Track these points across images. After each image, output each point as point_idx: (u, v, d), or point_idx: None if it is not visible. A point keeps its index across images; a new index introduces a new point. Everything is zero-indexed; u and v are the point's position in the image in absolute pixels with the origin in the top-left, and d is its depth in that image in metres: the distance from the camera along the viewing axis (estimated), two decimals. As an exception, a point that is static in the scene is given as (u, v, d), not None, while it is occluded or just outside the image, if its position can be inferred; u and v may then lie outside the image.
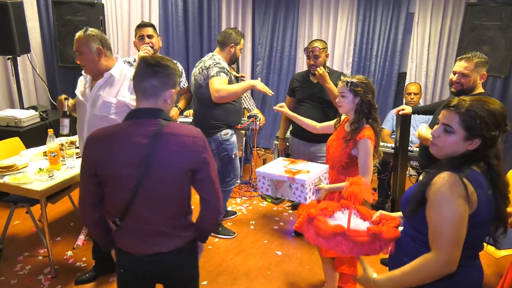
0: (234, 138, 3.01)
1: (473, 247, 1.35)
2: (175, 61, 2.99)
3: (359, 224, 1.55)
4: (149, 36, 2.84)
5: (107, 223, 1.56)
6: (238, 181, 3.19)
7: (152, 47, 2.77)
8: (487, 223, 1.33)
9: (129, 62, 2.93)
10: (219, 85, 2.70)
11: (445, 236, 1.23)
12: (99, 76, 2.23)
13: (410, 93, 3.77)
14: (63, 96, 2.41)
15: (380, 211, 1.62)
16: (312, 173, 1.99)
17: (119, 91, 2.22)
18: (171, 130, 1.40)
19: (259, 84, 2.78)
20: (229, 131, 2.97)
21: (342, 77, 2.20)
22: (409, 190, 1.45)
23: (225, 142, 2.96)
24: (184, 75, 3.12)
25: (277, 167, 2.13)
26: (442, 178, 1.26)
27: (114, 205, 1.46)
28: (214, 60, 2.85)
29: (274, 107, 2.62)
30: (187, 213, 1.55)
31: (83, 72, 2.30)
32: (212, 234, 3.13)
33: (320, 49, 2.89)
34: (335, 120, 2.43)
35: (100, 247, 1.62)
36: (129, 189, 1.39)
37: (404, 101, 4.00)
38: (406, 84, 4.07)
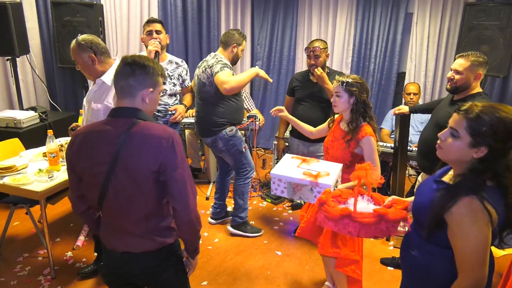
0: (239, 133, 3.06)
1: None
2: (181, 60, 3.00)
3: (371, 209, 1.57)
4: (157, 32, 2.83)
5: (98, 216, 1.61)
6: (254, 173, 3.25)
7: (160, 42, 2.76)
8: (500, 229, 1.32)
9: None
10: (226, 77, 2.73)
11: (471, 262, 1.22)
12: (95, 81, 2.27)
13: (409, 93, 3.78)
14: (71, 127, 2.61)
15: (393, 196, 1.64)
16: (332, 175, 1.96)
17: (106, 96, 2.22)
18: (139, 129, 1.39)
19: (261, 71, 2.89)
20: (233, 127, 3.01)
21: (337, 77, 2.21)
22: (421, 200, 1.40)
23: (232, 138, 2.99)
24: (188, 74, 3.09)
25: (291, 168, 2.07)
26: (464, 207, 1.21)
27: (90, 200, 1.51)
28: (216, 58, 2.89)
29: (271, 111, 2.56)
30: (162, 216, 1.49)
31: None
32: (240, 233, 3.22)
33: (321, 49, 2.90)
34: (328, 120, 2.45)
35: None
36: (99, 186, 1.42)
37: (403, 101, 4.00)
38: (405, 84, 4.08)
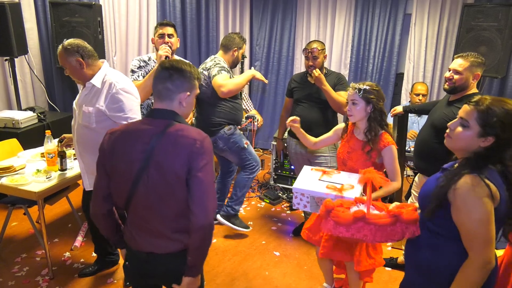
0: (238, 130, 3.08)
1: None
2: (189, 63, 2.98)
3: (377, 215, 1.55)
4: (170, 36, 2.81)
5: (116, 220, 1.61)
6: (260, 168, 3.27)
7: (170, 47, 2.74)
8: (503, 219, 1.38)
9: (144, 61, 2.88)
10: (223, 81, 2.78)
11: (478, 238, 1.27)
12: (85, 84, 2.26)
13: (418, 94, 3.69)
14: (59, 139, 2.63)
15: (396, 203, 1.64)
16: (357, 188, 1.92)
17: (97, 99, 2.20)
18: (174, 130, 1.43)
19: (257, 73, 2.96)
20: (232, 126, 3.04)
21: (352, 84, 2.11)
22: (427, 188, 1.46)
23: (232, 136, 3.03)
24: None
25: (313, 182, 2.02)
26: (466, 182, 1.28)
27: (117, 198, 1.52)
28: (215, 61, 2.93)
29: (287, 123, 2.38)
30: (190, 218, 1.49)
31: None
32: (229, 225, 3.20)
33: (319, 50, 2.90)
34: (335, 129, 2.35)
35: (110, 243, 1.66)
36: (130, 183, 1.44)
37: (408, 101, 3.99)
38: (413, 83, 3.99)
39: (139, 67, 2.85)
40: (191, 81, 1.50)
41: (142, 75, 2.81)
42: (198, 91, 1.56)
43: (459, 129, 1.36)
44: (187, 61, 1.55)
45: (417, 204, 1.58)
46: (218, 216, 3.23)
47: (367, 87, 2.06)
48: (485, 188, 1.27)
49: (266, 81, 3.01)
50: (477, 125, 1.32)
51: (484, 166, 1.32)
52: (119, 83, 2.17)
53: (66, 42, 2.18)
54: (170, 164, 1.40)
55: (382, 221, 1.42)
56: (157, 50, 2.78)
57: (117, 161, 1.46)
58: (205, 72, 2.91)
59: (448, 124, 1.42)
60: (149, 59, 2.92)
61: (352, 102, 2.08)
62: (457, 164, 1.43)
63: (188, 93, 1.49)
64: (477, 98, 1.35)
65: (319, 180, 2.05)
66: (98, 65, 2.25)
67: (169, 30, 2.82)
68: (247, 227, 3.29)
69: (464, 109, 1.37)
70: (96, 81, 2.20)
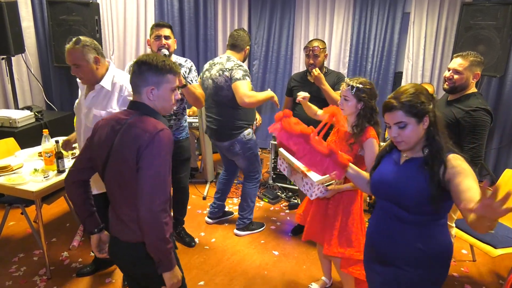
0: (254, 136, 3.09)
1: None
2: (185, 60, 2.87)
3: (319, 142, 1.67)
4: (166, 37, 2.71)
5: (88, 195, 1.66)
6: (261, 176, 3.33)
7: (167, 49, 2.67)
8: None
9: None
10: (249, 92, 2.72)
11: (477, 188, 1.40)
12: (93, 86, 2.20)
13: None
14: (61, 143, 2.61)
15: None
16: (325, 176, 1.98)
17: (108, 103, 2.18)
18: (134, 121, 1.49)
19: (275, 96, 2.90)
20: (250, 130, 3.03)
21: (346, 80, 2.14)
22: (383, 176, 1.58)
23: (249, 142, 3.02)
24: (191, 72, 2.81)
25: None
26: (458, 158, 1.45)
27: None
28: (234, 62, 2.83)
29: (298, 99, 2.46)
30: None
31: (78, 80, 2.25)
32: (249, 233, 3.27)
33: (320, 48, 2.91)
34: (327, 120, 2.39)
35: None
36: (101, 167, 1.55)
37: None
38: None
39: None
40: (159, 76, 1.50)
41: None
42: (173, 85, 1.54)
43: (402, 131, 1.47)
44: (162, 56, 1.55)
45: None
46: (238, 232, 3.26)
47: (360, 86, 2.07)
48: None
49: (278, 105, 2.99)
50: (411, 118, 1.45)
51: (447, 141, 1.49)
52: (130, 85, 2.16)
53: (83, 38, 2.11)
54: (124, 155, 1.45)
55: (318, 147, 1.54)
56: (153, 51, 2.72)
57: (96, 144, 1.56)
58: (227, 74, 2.80)
59: (391, 135, 1.51)
60: None
61: (344, 98, 2.11)
62: (404, 154, 1.56)
63: (153, 87, 1.50)
64: (393, 103, 1.47)
65: None
66: (106, 65, 2.23)
67: (166, 31, 2.71)
68: (262, 225, 3.38)
69: (391, 116, 1.48)
70: (105, 83, 2.18)
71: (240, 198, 3.29)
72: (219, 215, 3.41)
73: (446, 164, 1.43)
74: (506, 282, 2.05)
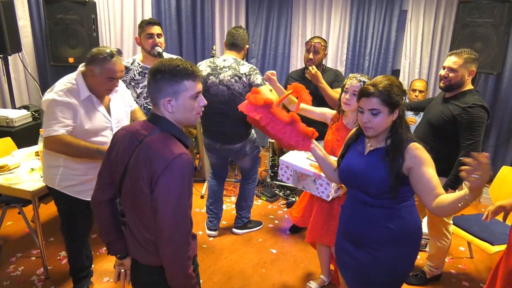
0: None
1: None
2: (176, 56, 2.80)
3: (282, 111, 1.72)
4: (158, 35, 2.65)
5: (116, 213, 1.55)
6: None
7: (160, 47, 2.64)
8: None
9: (125, 68, 2.65)
10: (274, 96, 2.68)
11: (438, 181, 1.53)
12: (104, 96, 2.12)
13: (415, 90, 3.67)
14: None
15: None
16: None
17: (124, 99, 2.25)
18: (151, 140, 1.34)
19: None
20: (253, 129, 3.04)
21: (355, 75, 2.13)
22: (349, 164, 1.67)
23: (256, 141, 3.05)
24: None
25: (300, 158, 2.12)
26: (418, 148, 1.55)
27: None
28: (248, 65, 2.76)
29: (266, 74, 2.41)
30: None
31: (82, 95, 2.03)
32: (248, 231, 3.29)
33: (321, 45, 2.93)
34: (325, 110, 2.39)
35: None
36: (117, 185, 1.44)
37: (407, 98, 3.98)
38: (411, 80, 3.98)
39: None
40: (175, 84, 1.31)
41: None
42: (193, 92, 1.35)
43: (373, 118, 1.55)
44: (178, 60, 1.37)
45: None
46: (236, 231, 3.27)
47: (367, 81, 2.08)
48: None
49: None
50: (385, 107, 1.53)
51: (409, 133, 1.59)
52: None
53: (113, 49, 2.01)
54: (137, 176, 1.32)
55: (279, 115, 1.62)
56: (144, 50, 2.67)
57: (114, 158, 1.43)
58: (244, 79, 2.70)
59: (362, 119, 1.58)
60: (133, 62, 2.72)
61: (353, 93, 2.10)
62: (369, 144, 1.66)
63: (170, 98, 1.32)
64: (368, 89, 1.54)
65: (307, 158, 2.13)
66: None
67: (158, 29, 2.66)
68: (261, 223, 3.40)
69: (365, 102, 1.56)
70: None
71: (237, 197, 3.28)
72: (218, 224, 3.29)
73: (405, 156, 1.54)
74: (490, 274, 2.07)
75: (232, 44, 2.82)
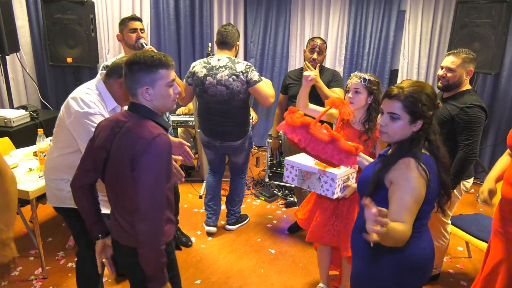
0: None
1: (423, 218, 1.48)
2: (164, 55, 2.81)
3: (320, 130, 1.70)
4: (142, 30, 2.65)
5: (95, 198, 1.62)
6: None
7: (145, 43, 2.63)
8: (434, 199, 1.49)
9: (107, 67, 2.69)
10: (271, 91, 2.81)
11: (411, 213, 1.33)
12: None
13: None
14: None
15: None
16: (343, 169, 1.95)
17: None
18: (131, 125, 1.43)
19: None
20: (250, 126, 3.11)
21: (356, 73, 2.14)
22: (364, 174, 1.57)
23: (252, 136, 3.13)
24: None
25: (305, 157, 2.09)
26: (404, 163, 1.39)
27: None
28: (242, 62, 2.78)
29: (305, 73, 2.33)
30: None
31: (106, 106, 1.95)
32: (240, 226, 3.34)
33: (325, 46, 2.99)
34: (332, 110, 2.31)
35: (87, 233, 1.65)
36: (101, 168, 1.51)
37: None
38: (400, 81, 4.05)
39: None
40: (151, 73, 1.41)
41: None
42: (168, 79, 1.44)
43: (391, 123, 1.44)
44: (151, 51, 1.47)
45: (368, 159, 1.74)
46: (229, 227, 3.30)
47: (372, 78, 2.10)
48: (422, 172, 1.38)
49: None
50: (406, 114, 1.41)
51: (417, 148, 1.43)
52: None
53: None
54: (119, 160, 1.41)
55: (318, 135, 1.58)
56: (127, 46, 2.64)
57: (97, 146, 1.51)
58: (242, 77, 2.72)
59: (379, 121, 1.49)
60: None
61: (355, 91, 2.10)
62: (390, 150, 1.53)
63: (147, 86, 1.42)
64: (396, 91, 1.43)
65: (312, 159, 2.09)
66: None
67: (140, 25, 2.67)
68: (247, 216, 3.48)
69: (387, 104, 1.45)
70: None
71: (229, 193, 3.30)
72: (217, 220, 3.28)
73: (392, 166, 1.41)
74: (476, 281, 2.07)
75: (223, 43, 2.83)
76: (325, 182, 1.94)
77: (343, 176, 1.95)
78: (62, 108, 1.94)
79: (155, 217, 1.37)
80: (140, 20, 2.69)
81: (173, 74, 1.48)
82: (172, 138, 2.11)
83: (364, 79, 2.07)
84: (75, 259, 2.78)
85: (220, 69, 2.75)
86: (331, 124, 2.36)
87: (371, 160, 1.73)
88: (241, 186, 3.26)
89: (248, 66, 2.77)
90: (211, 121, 2.92)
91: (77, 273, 2.18)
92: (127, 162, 1.38)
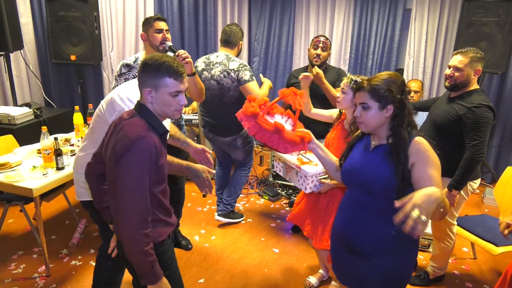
0: None
1: None
2: (172, 55, 2.77)
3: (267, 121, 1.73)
4: (167, 31, 2.60)
5: (104, 187, 1.64)
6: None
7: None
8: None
9: (127, 65, 2.60)
10: (260, 91, 2.83)
11: (441, 185, 1.45)
12: None
13: (410, 90, 3.67)
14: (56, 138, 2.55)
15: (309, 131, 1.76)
16: (320, 167, 2.02)
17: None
18: (125, 123, 1.45)
19: (270, 83, 3.04)
20: None
21: (349, 74, 2.16)
22: (350, 163, 1.64)
23: (248, 136, 3.11)
24: None
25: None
26: (421, 143, 1.49)
27: None
28: (238, 61, 2.85)
29: (301, 77, 2.45)
30: None
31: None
32: (229, 221, 3.33)
33: (328, 44, 2.99)
34: (333, 112, 2.41)
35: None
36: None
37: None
38: (406, 81, 4.00)
39: (120, 75, 2.59)
40: (156, 78, 1.42)
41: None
42: (172, 89, 1.43)
43: (364, 113, 1.52)
44: (168, 57, 1.46)
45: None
46: (218, 217, 3.30)
47: (359, 80, 2.06)
48: (431, 143, 1.50)
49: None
50: (374, 102, 1.50)
51: (410, 132, 1.51)
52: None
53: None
54: (109, 157, 1.44)
55: (264, 125, 1.64)
56: (151, 46, 2.58)
57: (105, 140, 1.55)
58: (232, 74, 2.82)
59: (354, 113, 1.57)
60: (136, 60, 2.65)
61: (342, 91, 2.15)
62: (373, 142, 1.60)
63: (149, 89, 1.43)
64: (360, 84, 1.54)
65: (299, 153, 2.17)
66: None
67: (165, 25, 2.62)
68: (242, 216, 3.44)
69: (357, 96, 1.55)
70: None
71: (229, 184, 3.31)
72: (229, 211, 3.35)
73: (408, 153, 1.48)
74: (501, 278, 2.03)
75: (226, 41, 2.94)
76: (300, 177, 2.06)
77: (319, 173, 2.03)
78: (103, 105, 1.91)
79: (136, 218, 1.37)
80: (165, 20, 2.64)
81: (182, 87, 1.46)
82: (194, 144, 2.19)
83: (351, 80, 2.09)
84: (79, 258, 2.79)
85: (216, 65, 2.88)
86: (327, 124, 2.42)
87: (325, 149, 1.78)
88: (239, 179, 3.27)
89: (242, 66, 2.83)
90: (207, 114, 3.09)
91: (97, 268, 2.18)
92: (113, 160, 1.40)
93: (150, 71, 1.42)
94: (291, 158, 2.11)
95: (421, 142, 1.48)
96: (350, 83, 2.09)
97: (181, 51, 2.39)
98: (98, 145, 1.89)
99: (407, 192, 1.45)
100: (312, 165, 2.05)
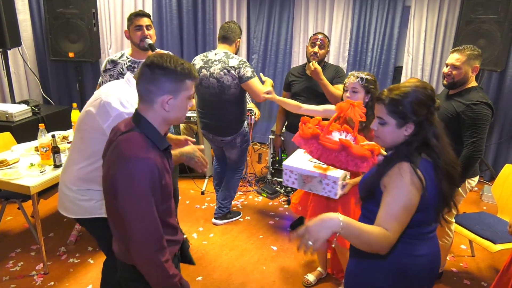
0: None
1: (420, 226, 1.40)
2: (167, 52, 2.75)
3: (330, 139, 1.67)
4: (147, 27, 2.53)
5: None
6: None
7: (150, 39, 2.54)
8: (433, 207, 1.38)
9: (112, 61, 2.57)
10: (262, 86, 2.77)
11: (398, 221, 1.26)
12: None
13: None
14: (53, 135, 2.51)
15: (374, 143, 1.66)
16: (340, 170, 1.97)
17: None
18: (122, 139, 1.29)
19: (271, 81, 2.99)
20: (246, 122, 3.10)
21: (353, 72, 2.17)
22: (365, 177, 1.52)
23: (247, 134, 3.12)
24: None
25: (303, 161, 2.10)
26: (398, 168, 1.31)
27: None
28: (238, 58, 2.82)
29: (262, 94, 2.56)
30: None
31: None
32: (226, 221, 3.33)
33: (326, 42, 2.97)
34: (327, 107, 2.38)
35: None
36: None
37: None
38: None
39: (105, 71, 2.56)
40: (178, 83, 1.28)
41: (107, 80, 2.53)
42: (191, 92, 1.32)
43: (381, 128, 1.38)
44: (177, 57, 1.33)
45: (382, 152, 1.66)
46: (215, 221, 3.31)
47: (369, 77, 2.12)
48: (416, 179, 1.28)
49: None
50: (391, 119, 1.35)
51: (415, 154, 1.34)
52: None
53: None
54: (105, 175, 1.31)
55: (329, 145, 1.56)
56: (133, 44, 2.55)
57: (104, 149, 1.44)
58: (233, 72, 2.77)
59: (371, 125, 1.43)
60: (121, 56, 2.60)
61: (353, 90, 2.13)
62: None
63: (171, 96, 1.28)
64: (380, 93, 1.39)
65: (309, 161, 2.12)
66: None
67: (147, 21, 2.54)
68: (239, 213, 3.44)
69: (376, 108, 1.40)
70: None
71: (222, 186, 3.31)
72: (225, 213, 3.34)
73: (388, 171, 1.33)
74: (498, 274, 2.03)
75: (224, 37, 2.91)
76: (326, 185, 1.96)
77: (343, 177, 1.98)
78: (91, 109, 1.75)
79: (149, 249, 1.26)
80: (147, 15, 2.55)
81: (193, 88, 1.37)
82: (175, 136, 2.09)
83: (362, 78, 2.09)
84: (77, 255, 2.79)
85: (215, 62, 2.84)
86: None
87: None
88: (234, 183, 3.27)
89: (242, 62, 2.80)
90: (205, 114, 3.02)
91: (103, 282, 2.09)
92: (109, 180, 1.27)
93: (171, 76, 1.26)
94: (311, 167, 2.01)
95: (401, 167, 1.31)
96: (361, 81, 2.09)
97: (160, 51, 2.32)
98: (91, 157, 1.74)
99: (372, 200, 1.40)
100: (334, 170, 1.96)
